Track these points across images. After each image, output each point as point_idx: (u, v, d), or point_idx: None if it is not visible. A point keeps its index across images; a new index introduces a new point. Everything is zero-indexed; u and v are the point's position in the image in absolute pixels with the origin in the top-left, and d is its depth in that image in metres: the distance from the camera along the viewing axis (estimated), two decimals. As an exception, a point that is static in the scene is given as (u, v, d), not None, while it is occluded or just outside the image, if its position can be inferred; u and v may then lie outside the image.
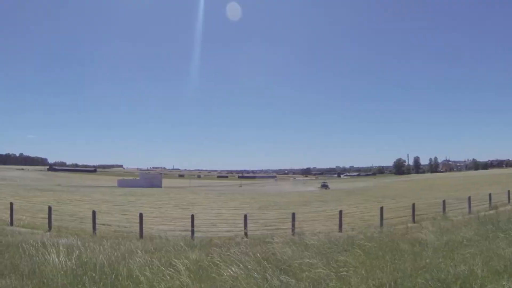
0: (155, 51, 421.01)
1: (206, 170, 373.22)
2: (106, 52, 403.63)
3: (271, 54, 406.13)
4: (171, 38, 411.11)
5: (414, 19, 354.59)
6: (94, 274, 7.50)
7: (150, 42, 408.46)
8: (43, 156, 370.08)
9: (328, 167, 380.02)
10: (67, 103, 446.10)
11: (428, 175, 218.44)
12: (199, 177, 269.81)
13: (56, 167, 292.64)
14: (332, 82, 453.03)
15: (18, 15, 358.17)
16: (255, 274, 7.32)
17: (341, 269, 7.79)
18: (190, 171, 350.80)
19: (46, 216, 22.69)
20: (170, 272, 7.64)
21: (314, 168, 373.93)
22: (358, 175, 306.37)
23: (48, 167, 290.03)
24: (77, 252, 9.18)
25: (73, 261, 8.28)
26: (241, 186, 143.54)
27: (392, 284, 6.93)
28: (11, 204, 23.36)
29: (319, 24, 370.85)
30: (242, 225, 22.40)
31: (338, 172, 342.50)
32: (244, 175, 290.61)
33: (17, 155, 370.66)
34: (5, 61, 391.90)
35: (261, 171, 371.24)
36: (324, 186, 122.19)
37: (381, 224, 22.31)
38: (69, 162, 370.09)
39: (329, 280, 7.15)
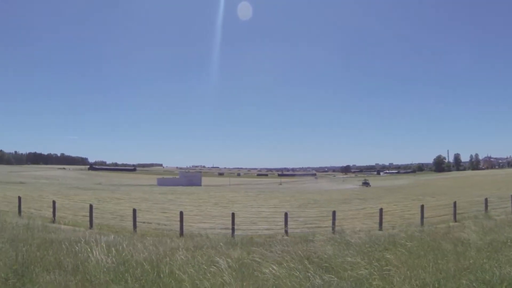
0: (187, 52, 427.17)
1: (245, 168, 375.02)
2: (141, 55, 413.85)
3: (307, 54, 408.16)
4: (199, 39, 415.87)
5: (453, 15, 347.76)
6: (136, 271, 7.54)
7: (180, 44, 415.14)
8: (83, 156, 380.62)
9: (368, 164, 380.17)
10: (106, 104, 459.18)
11: (469, 172, 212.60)
12: (238, 175, 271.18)
13: (96, 167, 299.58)
14: (370, 80, 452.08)
15: (61, 20, 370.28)
16: (297, 273, 7.26)
17: (383, 268, 7.65)
18: (229, 169, 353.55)
19: (87, 214, 23.09)
20: (212, 270, 7.64)
21: (353, 165, 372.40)
22: (398, 172, 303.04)
23: (88, 166, 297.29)
24: (119, 249, 9.28)
25: (115, 258, 8.37)
26: (281, 184, 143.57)
27: (436, 284, 6.78)
28: (54, 202, 23.90)
29: (357, 21, 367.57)
30: (282, 223, 22.27)
31: (377, 169, 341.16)
32: (284, 173, 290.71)
33: (59, 155, 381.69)
34: (47, 66, 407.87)
35: (301, 169, 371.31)
36: (365, 183, 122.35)
37: (422, 223, 21.85)
38: (109, 161, 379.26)
39: (371, 279, 7.02)
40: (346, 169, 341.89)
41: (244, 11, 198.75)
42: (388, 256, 8.52)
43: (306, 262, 8.11)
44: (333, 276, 7.07)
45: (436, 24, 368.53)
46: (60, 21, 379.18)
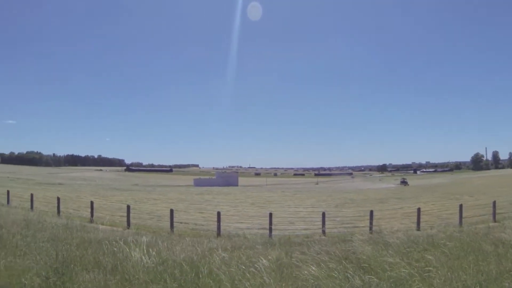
0: (221, 53, 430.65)
1: (282, 168, 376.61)
2: (174, 57, 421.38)
3: (340, 51, 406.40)
4: (224, 39, 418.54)
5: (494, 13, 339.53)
6: (175, 271, 7.57)
7: (209, 46, 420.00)
8: (120, 158, 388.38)
9: (404, 163, 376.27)
10: (142, 106, 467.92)
11: (508, 170, 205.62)
12: (275, 175, 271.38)
13: (133, 168, 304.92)
14: (406, 78, 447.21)
15: (90, 26, 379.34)
16: (336, 273, 7.17)
17: (423, 270, 7.48)
18: (266, 169, 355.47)
19: (124, 214, 23.43)
20: (251, 270, 7.61)
21: (390, 164, 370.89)
22: (435, 171, 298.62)
23: (125, 168, 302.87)
24: (157, 249, 9.34)
25: (154, 258, 8.42)
26: (317, 183, 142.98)
27: (477, 287, 6.61)
28: (92, 202, 24.38)
29: (387, 18, 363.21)
30: (319, 223, 22.20)
31: (414, 168, 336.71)
32: (320, 173, 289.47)
33: (96, 157, 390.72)
34: (83, 71, 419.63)
35: (337, 168, 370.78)
36: (403, 182, 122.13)
37: (460, 223, 21.53)
38: (145, 162, 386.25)
39: (411, 280, 6.87)
40: (382, 168, 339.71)
41: (254, 11, 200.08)
42: (429, 257, 8.33)
43: (344, 262, 8.03)
44: (372, 277, 6.97)
45: (472, 18, 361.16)
46: (89, 27, 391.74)
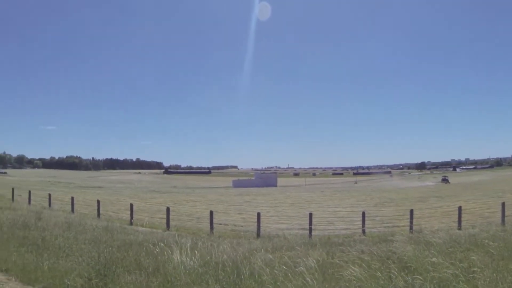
0: (252, 54, 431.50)
1: (320, 168, 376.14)
2: (207, 59, 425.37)
3: (374, 50, 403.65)
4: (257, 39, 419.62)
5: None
6: (216, 273, 7.59)
7: (237, 48, 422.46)
8: (158, 161, 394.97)
9: (443, 160, 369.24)
10: (180, 109, 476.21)
11: None
12: (314, 175, 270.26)
13: (171, 170, 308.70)
14: (444, 75, 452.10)
15: (125, 30, 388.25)
16: (379, 274, 7.08)
17: (467, 270, 7.26)
18: (304, 169, 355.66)
19: (164, 216, 23.71)
20: (293, 271, 7.58)
21: (428, 162, 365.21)
22: (475, 168, 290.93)
23: (163, 170, 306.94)
24: (198, 251, 9.39)
25: (195, 259, 8.47)
26: (356, 183, 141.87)
27: None
28: (131, 205, 24.73)
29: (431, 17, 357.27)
30: (359, 222, 22.19)
31: (453, 165, 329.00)
32: (359, 172, 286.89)
33: (134, 160, 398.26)
34: (120, 79, 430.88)
35: (375, 166, 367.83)
36: (445, 180, 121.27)
37: (503, 222, 20.77)
38: (183, 165, 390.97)
39: (456, 281, 6.68)
40: (421, 166, 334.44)
41: (264, 11, 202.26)
42: (473, 257, 8.09)
43: (386, 262, 7.94)
44: (418, 277, 6.83)
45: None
46: (124, 39, 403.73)
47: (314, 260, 8.27)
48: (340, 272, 7.46)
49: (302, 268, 7.70)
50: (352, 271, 7.25)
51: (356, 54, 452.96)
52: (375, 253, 8.91)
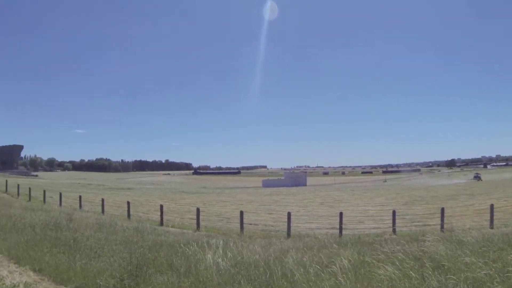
0: (275, 54, 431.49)
1: (350, 167, 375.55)
2: (231, 59, 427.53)
3: (399, 48, 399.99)
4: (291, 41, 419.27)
5: None
6: (248, 273, 7.61)
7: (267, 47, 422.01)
8: (187, 162, 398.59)
9: (473, 157, 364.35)
10: (206, 111, 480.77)
11: None
12: (343, 173, 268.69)
13: (201, 171, 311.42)
14: (471, 71, 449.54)
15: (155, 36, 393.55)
16: (412, 273, 7.00)
17: (502, 270, 7.09)
18: (334, 168, 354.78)
19: (193, 216, 23.83)
20: (325, 271, 7.55)
21: (458, 159, 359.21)
22: (506, 164, 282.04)
23: (193, 171, 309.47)
24: (229, 251, 9.43)
25: (227, 260, 8.50)
26: (385, 181, 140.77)
27: None
28: (161, 206, 24.96)
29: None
30: (389, 221, 21.99)
31: (484, 162, 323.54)
32: (388, 170, 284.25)
33: (163, 161, 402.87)
34: (148, 82, 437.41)
35: (405, 164, 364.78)
36: (477, 177, 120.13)
37: None
38: (213, 165, 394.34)
39: (490, 282, 6.54)
40: (450, 163, 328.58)
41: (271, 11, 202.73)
42: (508, 257, 7.88)
43: (419, 262, 7.86)
44: (452, 276, 6.73)
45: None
46: (152, 39, 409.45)
47: (346, 260, 8.24)
48: (373, 271, 7.42)
49: (335, 268, 7.67)
50: (385, 271, 7.21)
51: (379, 51, 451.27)
52: (406, 252, 8.81)
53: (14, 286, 7.65)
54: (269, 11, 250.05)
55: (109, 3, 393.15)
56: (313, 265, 8.06)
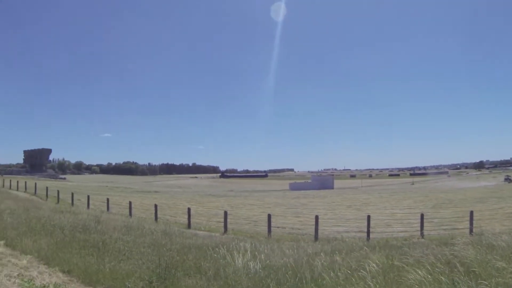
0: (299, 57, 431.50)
1: (377, 169, 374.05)
2: (255, 60, 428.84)
3: (428, 48, 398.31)
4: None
5: None
6: (277, 276, 7.60)
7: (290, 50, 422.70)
8: (214, 165, 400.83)
9: (503, 159, 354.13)
10: (233, 114, 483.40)
11: None
12: (370, 176, 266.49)
13: (228, 174, 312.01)
14: (498, 69, 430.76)
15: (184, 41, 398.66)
16: (442, 278, 6.92)
17: None
18: (361, 170, 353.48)
19: (221, 219, 23.89)
20: (355, 275, 7.53)
21: (487, 161, 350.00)
22: None
23: (220, 174, 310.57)
24: (258, 254, 9.43)
25: (255, 263, 8.50)
26: (413, 184, 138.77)
27: None
28: (189, 209, 25.06)
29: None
30: (417, 225, 21.75)
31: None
32: (415, 172, 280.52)
33: (190, 164, 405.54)
34: (175, 85, 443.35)
35: (432, 167, 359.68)
36: (508, 179, 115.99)
37: None
38: (240, 168, 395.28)
39: None
40: (479, 165, 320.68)
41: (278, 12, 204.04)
42: None
43: (448, 266, 7.77)
44: (484, 281, 6.64)
45: None
46: (174, 43, 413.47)
47: (375, 263, 8.21)
48: (402, 275, 7.36)
49: (364, 272, 7.63)
50: (415, 275, 7.14)
51: (406, 52, 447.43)
52: (436, 256, 8.72)
53: (44, 286, 7.75)
54: (281, 13, 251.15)
55: (136, 7, 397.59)
56: (342, 268, 8.02)
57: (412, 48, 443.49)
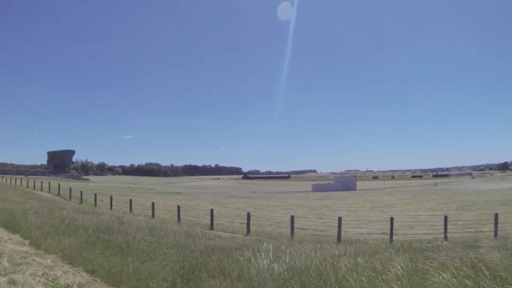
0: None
1: (399, 170, 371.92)
2: (277, 60, 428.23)
3: (447, 47, 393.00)
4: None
5: None
6: (301, 278, 7.56)
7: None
8: (237, 166, 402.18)
9: None
10: (255, 115, 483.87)
11: None
12: (393, 177, 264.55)
13: (250, 175, 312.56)
14: None
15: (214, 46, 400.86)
16: (468, 282, 6.82)
17: None
18: (383, 172, 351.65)
19: (243, 221, 23.93)
20: (379, 278, 7.49)
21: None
22: None
23: (242, 175, 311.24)
24: (281, 256, 9.40)
25: (279, 265, 8.47)
26: (436, 185, 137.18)
27: None
28: (211, 210, 25.14)
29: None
30: (440, 227, 21.68)
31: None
32: (438, 174, 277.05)
33: (213, 166, 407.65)
34: (196, 88, 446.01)
35: (455, 168, 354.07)
36: None
37: None
38: (262, 170, 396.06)
39: None
40: (503, 166, 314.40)
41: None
42: None
43: (473, 270, 7.62)
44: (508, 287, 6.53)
45: None
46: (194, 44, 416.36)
47: (399, 266, 8.15)
48: (427, 278, 7.30)
49: (390, 275, 7.56)
50: (440, 278, 7.06)
51: (429, 52, 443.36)
52: (461, 259, 8.60)
53: (68, 286, 7.82)
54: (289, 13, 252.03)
55: (157, 10, 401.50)
56: (366, 271, 7.96)
57: (435, 48, 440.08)
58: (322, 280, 7.42)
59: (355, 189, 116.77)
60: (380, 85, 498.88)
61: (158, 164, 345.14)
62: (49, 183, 55.46)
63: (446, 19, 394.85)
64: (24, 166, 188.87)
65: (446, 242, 17.25)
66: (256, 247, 10.49)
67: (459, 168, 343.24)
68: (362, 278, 7.48)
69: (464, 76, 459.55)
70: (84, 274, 9.02)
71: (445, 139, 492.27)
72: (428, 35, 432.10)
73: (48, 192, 46.76)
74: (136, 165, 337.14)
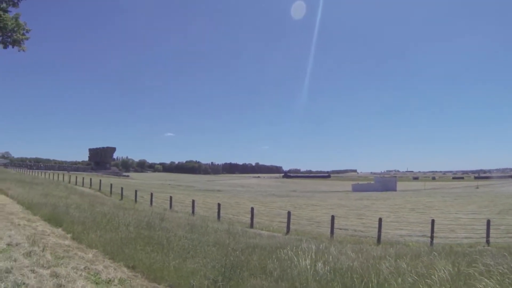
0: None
1: (440, 171, 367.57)
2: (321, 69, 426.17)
3: (475, 48, 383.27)
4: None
5: None
6: (343, 280, 7.48)
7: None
8: (277, 165, 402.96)
9: None
10: (296, 115, 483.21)
11: None
12: (433, 178, 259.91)
13: (290, 174, 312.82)
14: None
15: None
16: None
17: None
18: (424, 173, 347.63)
19: (283, 219, 23.93)
20: (421, 281, 7.40)
21: None
22: None
23: (282, 174, 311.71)
24: (323, 256, 9.31)
25: (321, 265, 8.39)
26: (477, 187, 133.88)
27: None
28: (252, 208, 25.24)
29: None
30: (481, 231, 21.34)
31: None
32: (480, 175, 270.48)
33: (253, 164, 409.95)
34: (238, 89, 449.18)
35: (498, 170, 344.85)
36: None
37: None
38: (303, 169, 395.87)
39: None
40: None
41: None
42: None
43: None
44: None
45: None
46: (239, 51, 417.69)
47: (441, 270, 8.01)
48: (471, 284, 7.16)
49: (434, 278, 7.41)
50: (484, 284, 6.93)
51: (467, 51, 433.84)
52: (510, 266, 8.35)
53: (110, 280, 7.94)
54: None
55: (198, 14, 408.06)
56: (409, 274, 7.83)
57: (478, 49, 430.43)
58: (363, 282, 7.33)
59: (395, 190, 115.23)
60: (422, 84, 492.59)
61: (199, 162, 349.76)
62: (90, 179, 56.75)
63: (482, 19, 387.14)
64: (66, 162, 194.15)
65: (488, 247, 16.97)
66: (297, 247, 10.45)
67: (502, 170, 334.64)
68: (405, 281, 7.35)
69: (507, 76, 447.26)
70: (125, 269, 9.12)
71: (487, 139, 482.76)
72: (471, 34, 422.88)
73: (90, 188, 47.92)
74: (176, 162, 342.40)
